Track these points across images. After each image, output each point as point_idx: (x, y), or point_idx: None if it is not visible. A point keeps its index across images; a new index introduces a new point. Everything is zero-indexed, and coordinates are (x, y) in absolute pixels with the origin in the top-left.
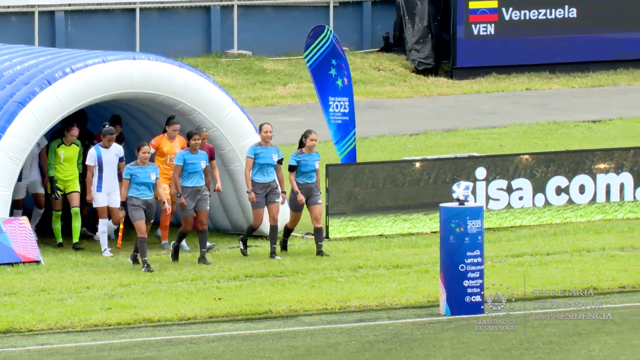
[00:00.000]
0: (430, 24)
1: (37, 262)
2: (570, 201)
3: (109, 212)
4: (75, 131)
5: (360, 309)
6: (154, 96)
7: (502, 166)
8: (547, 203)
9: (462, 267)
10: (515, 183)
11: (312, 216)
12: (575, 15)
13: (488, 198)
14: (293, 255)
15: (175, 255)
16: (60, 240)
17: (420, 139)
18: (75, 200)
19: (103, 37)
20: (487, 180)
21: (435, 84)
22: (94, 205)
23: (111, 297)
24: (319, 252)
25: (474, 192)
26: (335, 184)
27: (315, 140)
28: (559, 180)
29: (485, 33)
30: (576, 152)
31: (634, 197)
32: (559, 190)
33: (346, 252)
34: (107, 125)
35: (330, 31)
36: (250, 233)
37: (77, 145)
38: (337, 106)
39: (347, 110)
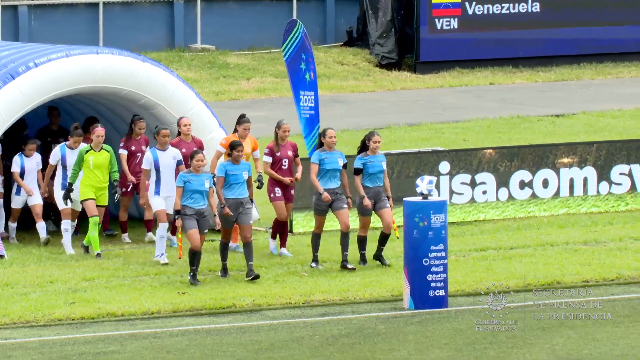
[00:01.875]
0: (393, 18)
1: (1, 256)
2: (533, 195)
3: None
4: (100, 131)
5: (323, 303)
6: (118, 90)
7: (466, 160)
8: (510, 197)
9: (426, 262)
10: (479, 177)
11: (383, 222)
12: (538, 10)
13: (452, 192)
14: (257, 249)
15: (224, 272)
16: (98, 250)
17: (383, 133)
18: (93, 209)
19: (66, 31)
20: (451, 174)
21: (398, 79)
22: (153, 209)
23: (75, 291)
24: (379, 257)
25: (437, 187)
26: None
27: (379, 142)
28: (523, 175)
29: (448, 27)
30: (539, 147)
31: (597, 191)
32: (522, 185)
33: (310, 247)
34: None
35: (301, 25)
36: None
37: (107, 152)
38: (305, 100)
39: (313, 105)
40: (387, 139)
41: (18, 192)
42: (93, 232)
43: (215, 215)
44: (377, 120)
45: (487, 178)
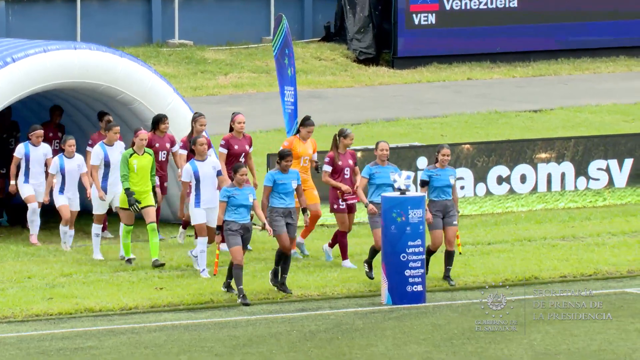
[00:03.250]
0: (371, 13)
1: None
2: (511, 191)
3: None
4: (143, 134)
5: (301, 298)
6: (95, 86)
7: None
8: (488, 192)
9: (404, 257)
10: (457, 172)
11: (446, 239)
12: (516, 5)
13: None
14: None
15: (275, 280)
16: (129, 255)
17: (361, 129)
18: (151, 215)
19: (44, 26)
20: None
21: (376, 74)
22: (193, 222)
23: (52, 287)
24: (446, 277)
25: (415, 182)
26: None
27: (448, 156)
28: (500, 170)
29: (426, 23)
30: (517, 142)
31: (575, 186)
32: (500, 180)
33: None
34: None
35: (285, 20)
36: (375, 255)
37: (150, 155)
38: (288, 95)
39: (293, 100)
40: (364, 134)
41: (198, 204)
42: (126, 239)
43: (264, 224)
44: (354, 115)
45: (465, 173)
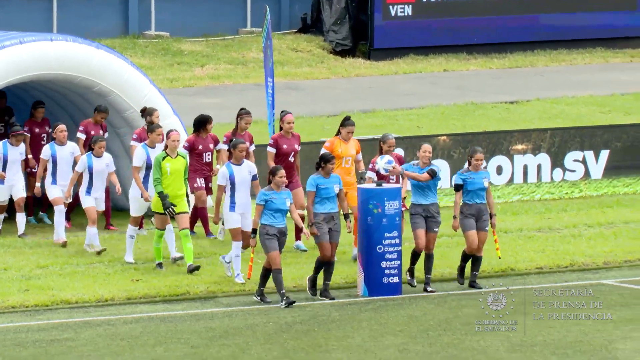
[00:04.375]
0: (347, 5)
1: None
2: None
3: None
4: (176, 135)
5: (273, 289)
6: (72, 77)
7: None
8: None
9: (380, 249)
10: (433, 164)
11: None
12: None
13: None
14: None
15: (313, 289)
16: (160, 260)
17: (337, 120)
18: (184, 222)
19: (20, 18)
20: (406, 161)
21: (352, 65)
22: (227, 227)
23: (29, 278)
24: (473, 283)
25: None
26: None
27: (481, 160)
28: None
29: (402, 14)
30: (493, 133)
31: (551, 178)
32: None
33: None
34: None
35: (268, 12)
36: (416, 259)
37: (184, 158)
38: (269, 87)
39: (271, 91)
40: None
41: (233, 208)
42: (158, 244)
43: (301, 229)
44: (331, 107)
45: (441, 165)
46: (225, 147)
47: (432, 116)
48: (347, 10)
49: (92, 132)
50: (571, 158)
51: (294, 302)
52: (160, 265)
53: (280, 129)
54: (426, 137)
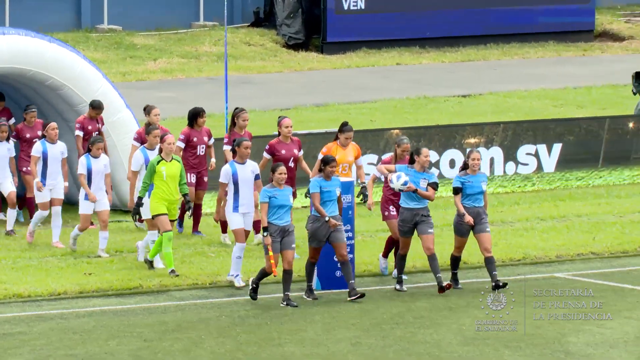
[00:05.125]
0: None
1: None
2: (440, 175)
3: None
4: (171, 138)
5: (231, 284)
6: (24, 71)
7: (373, 141)
8: None
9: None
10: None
11: (481, 246)
12: None
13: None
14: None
15: (310, 293)
16: (172, 267)
17: (291, 114)
18: (168, 224)
19: None
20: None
21: (305, 59)
22: (231, 228)
23: None
24: (496, 283)
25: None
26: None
27: (478, 160)
28: (430, 155)
29: (355, 8)
30: (446, 127)
31: (504, 171)
32: (429, 165)
33: (217, 227)
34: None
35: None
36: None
37: (178, 162)
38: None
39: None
40: (294, 119)
41: (236, 209)
42: (167, 248)
43: (326, 217)
44: (284, 100)
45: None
46: (227, 147)
47: (385, 110)
48: (299, 4)
49: (90, 127)
50: (524, 151)
51: (296, 305)
52: (173, 271)
53: (279, 134)
54: (379, 130)
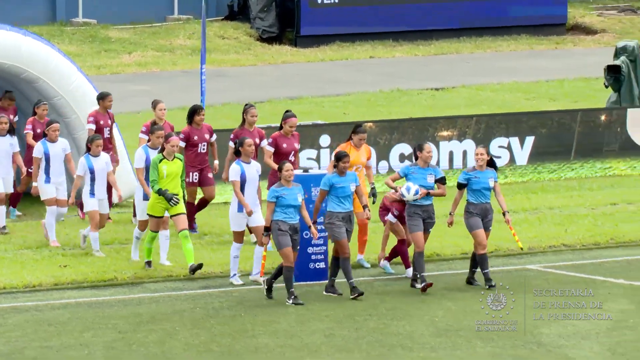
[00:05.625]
0: None
1: None
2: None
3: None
4: (175, 140)
5: (205, 276)
6: (0, 64)
7: (346, 134)
8: (390, 170)
9: (307, 234)
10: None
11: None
12: None
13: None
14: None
15: (332, 288)
16: (149, 258)
17: (264, 107)
18: (182, 223)
19: None
20: (332, 147)
21: (279, 52)
22: (232, 228)
23: None
24: (488, 281)
25: (318, 160)
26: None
27: (482, 155)
28: (403, 148)
29: (329, 1)
30: (419, 120)
31: None
32: (402, 158)
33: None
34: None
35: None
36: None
37: (180, 160)
38: (204, 73)
39: (204, 77)
40: (268, 112)
41: (236, 209)
42: (149, 244)
43: (310, 226)
44: (258, 93)
45: None
46: (232, 144)
47: (358, 103)
48: None
49: (101, 122)
50: (496, 144)
51: (303, 303)
52: (149, 264)
53: (281, 127)
54: (352, 123)
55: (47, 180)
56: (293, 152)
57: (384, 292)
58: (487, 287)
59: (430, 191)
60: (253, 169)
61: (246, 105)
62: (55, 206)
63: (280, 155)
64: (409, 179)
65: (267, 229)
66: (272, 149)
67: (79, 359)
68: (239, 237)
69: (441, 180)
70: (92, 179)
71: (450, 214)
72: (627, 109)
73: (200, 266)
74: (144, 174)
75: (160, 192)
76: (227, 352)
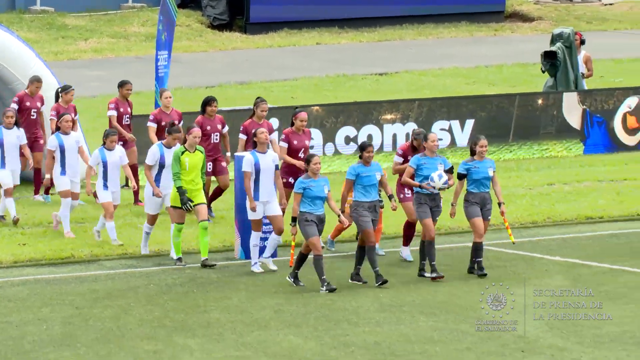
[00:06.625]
0: None
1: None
2: (358, 150)
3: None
4: (197, 132)
5: (158, 253)
6: None
7: None
8: (336, 152)
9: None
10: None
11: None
12: None
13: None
14: (91, 203)
15: (358, 277)
16: (179, 255)
17: (215, 92)
18: (203, 213)
19: None
20: (280, 130)
21: (229, 39)
22: (249, 217)
23: None
24: (480, 269)
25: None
26: (140, 135)
27: (485, 147)
28: (348, 131)
29: None
30: (364, 104)
31: None
32: (347, 140)
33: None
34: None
35: None
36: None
37: (201, 152)
38: (162, 59)
39: (166, 63)
40: (219, 97)
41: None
42: (177, 238)
43: (339, 215)
44: (209, 79)
45: (314, 134)
46: (243, 137)
47: (305, 87)
48: None
49: (121, 110)
50: (438, 127)
51: (335, 288)
52: (180, 260)
53: (292, 124)
54: (300, 107)
55: (63, 172)
56: (303, 150)
57: (330, 269)
58: (479, 275)
59: (450, 182)
60: (269, 158)
61: (257, 99)
62: (70, 198)
63: (292, 152)
64: (422, 169)
65: (294, 219)
66: (285, 145)
67: (38, 333)
68: (257, 226)
69: (450, 170)
70: (105, 172)
71: (452, 204)
72: (563, 93)
73: (213, 265)
74: (155, 170)
75: (179, 191)
76: (180, 327)
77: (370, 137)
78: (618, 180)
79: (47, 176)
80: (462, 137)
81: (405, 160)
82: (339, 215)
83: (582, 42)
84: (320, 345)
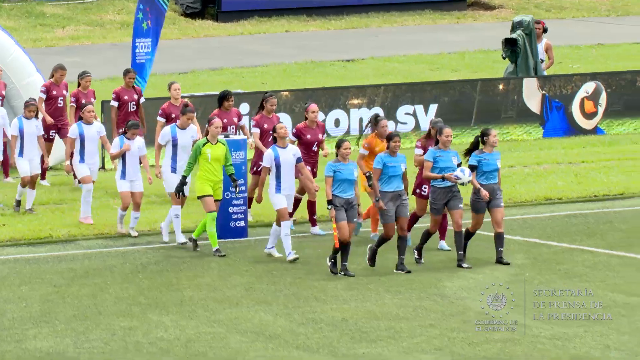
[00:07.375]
0: None
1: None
2: (326, 134)
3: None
4: (218, 122)
5: (148, 233)
6: None
7: None
8: None
9: (228, 195)
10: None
11: (494, 220)
12: None
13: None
14: (68, 185)
15: (372, 260)
16: (216, 246)
17: (188, 77)
18: (216, 205)
19: None
20: (250, 114)
21: (202, 27)
22: (275, 208)
23: None
24: (499, 259)
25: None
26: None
27: (496, 137)
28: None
29: None
30: (332, 89)
31: None
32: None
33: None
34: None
35: None
36: (427, 239)
37: (224, 145)
38: (141, 47)
39: (149, 50)
40: (191, 82)
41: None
42: (212, 228)
43: (359, 205)
44: (182, 65)
45: (284, 118)
46: (256, 130)
47: (275, 73)
48: None
49: (126, 97)
50: (403, 111)
51: (353, 275)
52: (218, 251)
53: (306, 118)
54: (271, 92)
55: (82, 160)
56: (316, 143)
57: (299, 248)
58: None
59: (474, 181)
60: (289, 153)
61: (266, 93)
62: (91, 184)
63: (305, 146)
64: (437, 161)
65: (329, 202)
66: (294, 139)
67: (17, 311)
68: (284, 215)
69: (460, 164)
70: (124, 162)
71: (479, 190)
72: (523, 79)
73: (223, 255)
74: (167, 150)
75: (182, 178)
76: (154, 304)
77: (337, 121)
78: (576, 162)
79: (67, 162)
80: (426, 121)
81: (425, 152)
82: (358, 205)
83: (545, 30)
84: (290, 322)
